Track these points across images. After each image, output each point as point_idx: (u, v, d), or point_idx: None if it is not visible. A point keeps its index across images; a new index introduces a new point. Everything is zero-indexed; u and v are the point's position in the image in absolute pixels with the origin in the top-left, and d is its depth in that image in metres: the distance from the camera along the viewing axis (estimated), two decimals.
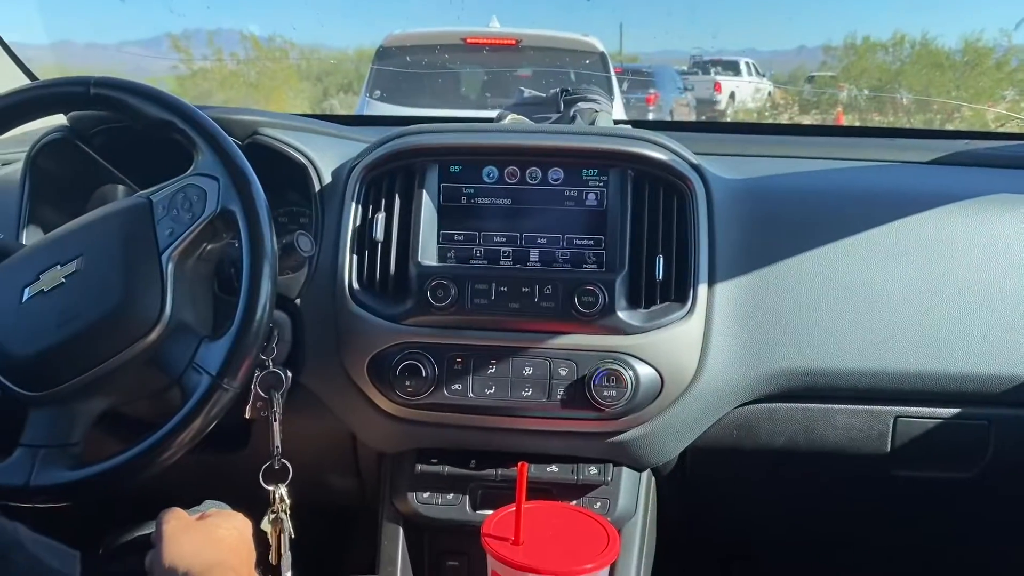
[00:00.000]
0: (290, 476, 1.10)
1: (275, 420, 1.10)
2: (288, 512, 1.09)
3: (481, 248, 1.14)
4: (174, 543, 0.87)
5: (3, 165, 1.41)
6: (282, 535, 1.09)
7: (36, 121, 1.10)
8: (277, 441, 1.10)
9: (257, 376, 1.09)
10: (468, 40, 4.90)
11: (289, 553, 1.09)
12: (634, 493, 1.14)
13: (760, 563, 1.57)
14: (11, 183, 1.26)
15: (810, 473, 1.22)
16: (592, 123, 1.33)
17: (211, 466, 1.24)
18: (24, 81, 1.70)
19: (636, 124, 1.43)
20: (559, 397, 1.08)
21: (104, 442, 1.09)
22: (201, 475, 1.28)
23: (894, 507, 1.27)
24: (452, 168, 1.15)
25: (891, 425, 1.13)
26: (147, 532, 0.95)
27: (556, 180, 1.13)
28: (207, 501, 1.04)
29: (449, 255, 1.14)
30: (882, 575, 1.53)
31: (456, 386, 1.09)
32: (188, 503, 0.98)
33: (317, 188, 1.18)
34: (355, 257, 1.14)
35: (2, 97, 1.01)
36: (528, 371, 1.09)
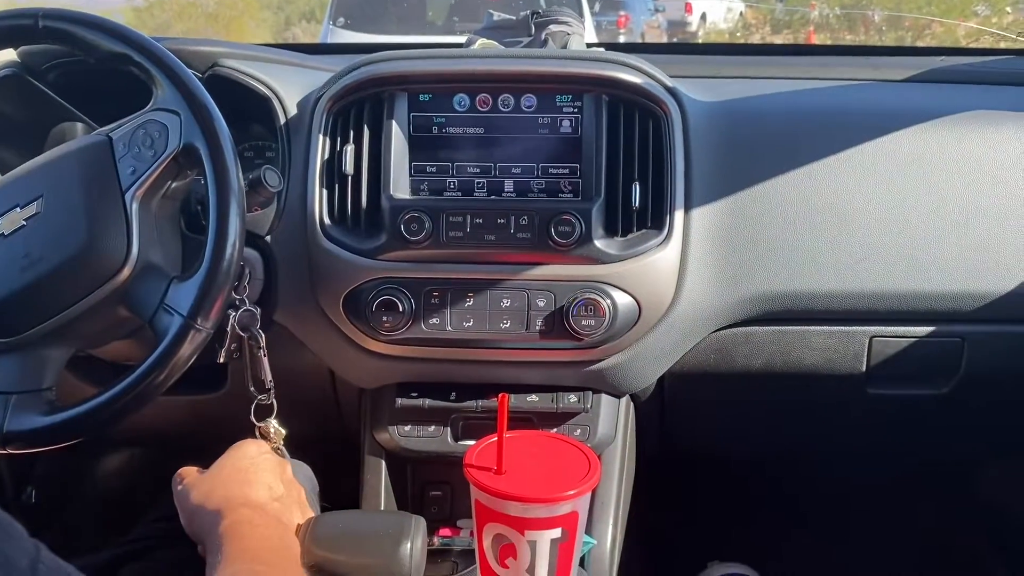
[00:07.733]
0: (275, 411, 1.10)
1: (264, 355, 1.07)
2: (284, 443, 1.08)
3: (455, 179, 1.11)
4: (185, 502, 0.90)
5: None
6: None
7: None
8: (268, 376, 1.07)
9: (233, 316, 1.07)
10: None
11: None
12: (613, 419, 1.15)
13: (737, 481, 1.61)
14: None
15: (787, 394, 1.23)
16: (564, 47, 1.29)
17: (191, 408, 1.23)
18: None
19: (609, 47, 1.39)
20: (537, 328, 1.08)
21: (79, 386, 1.08)
22: (183, 417, 1.27)
23: (869, 424, 1.30)
24: (422, 97, 1.11)
25: (867, 345, 1.15)
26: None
27: (529, 107, 1.11)
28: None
29: (422, 187, 1.11)
30: (858, 486, 1.57)
31: (434, 320, 1.08)
32: (178, 449, 0.98)
33: (282, 121, 1.15)
34: (325, 191, 1.11)
35: None
36: (506, 303, 1.08)
